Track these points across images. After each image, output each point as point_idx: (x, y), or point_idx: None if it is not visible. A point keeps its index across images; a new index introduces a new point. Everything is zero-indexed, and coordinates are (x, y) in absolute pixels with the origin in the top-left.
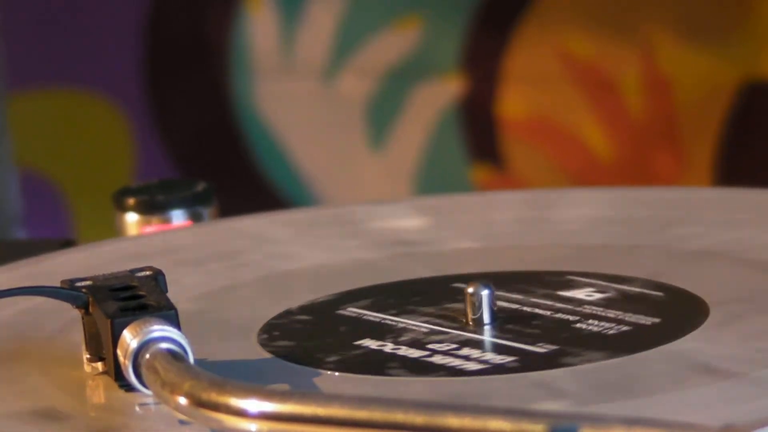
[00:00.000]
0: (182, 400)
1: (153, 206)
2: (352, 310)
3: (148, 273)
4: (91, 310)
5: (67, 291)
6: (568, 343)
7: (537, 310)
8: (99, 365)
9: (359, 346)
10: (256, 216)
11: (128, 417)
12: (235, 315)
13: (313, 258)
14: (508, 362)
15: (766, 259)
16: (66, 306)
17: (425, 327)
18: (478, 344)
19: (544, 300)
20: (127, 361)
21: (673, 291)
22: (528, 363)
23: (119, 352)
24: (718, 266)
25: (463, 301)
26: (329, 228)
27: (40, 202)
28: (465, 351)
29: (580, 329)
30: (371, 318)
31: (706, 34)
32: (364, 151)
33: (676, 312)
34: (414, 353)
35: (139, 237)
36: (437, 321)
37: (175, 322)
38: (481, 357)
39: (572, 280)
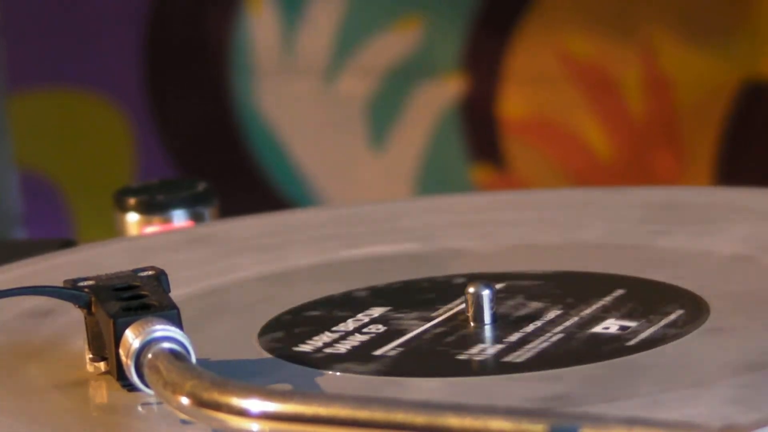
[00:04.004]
0: (184, 400)
1: (154, 206)
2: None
3: (150, 273)
4: (93, 309)
5: (70, 291)
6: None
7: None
8: (101, 365)
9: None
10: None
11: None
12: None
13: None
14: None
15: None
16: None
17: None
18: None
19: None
20: (129, 361)
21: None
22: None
23: (121, 351)
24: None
25: (463, 300)
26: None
27: (40, 202)
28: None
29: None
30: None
31: (706, 34)
32: (364, 151)
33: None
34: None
35: (140, 237)
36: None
37: (177, 321)
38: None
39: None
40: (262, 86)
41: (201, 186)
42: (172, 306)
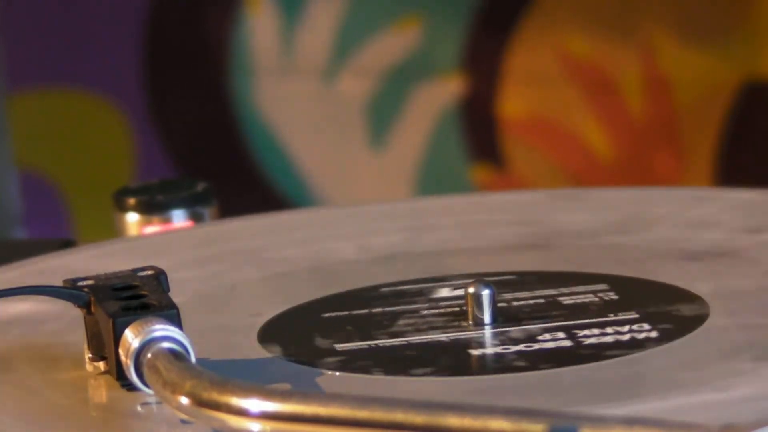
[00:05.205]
0: (184, 400)
1: (153, 206)
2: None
3: (150, 272)
4: (92, 309)
5: (69, 290)
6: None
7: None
8: (101, 365)
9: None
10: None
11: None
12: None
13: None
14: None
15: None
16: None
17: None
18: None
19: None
20: (128, 361)
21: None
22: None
23: (121, 351)
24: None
25: (464, 301)
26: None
27: (40, 202)
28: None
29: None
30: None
31: (706, 34)
32: (364, 151)
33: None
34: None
35: (140, 237)
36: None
37: (176, 321)
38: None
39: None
40: (261, 86)
41: (201, 186)
42: (172, 306)
